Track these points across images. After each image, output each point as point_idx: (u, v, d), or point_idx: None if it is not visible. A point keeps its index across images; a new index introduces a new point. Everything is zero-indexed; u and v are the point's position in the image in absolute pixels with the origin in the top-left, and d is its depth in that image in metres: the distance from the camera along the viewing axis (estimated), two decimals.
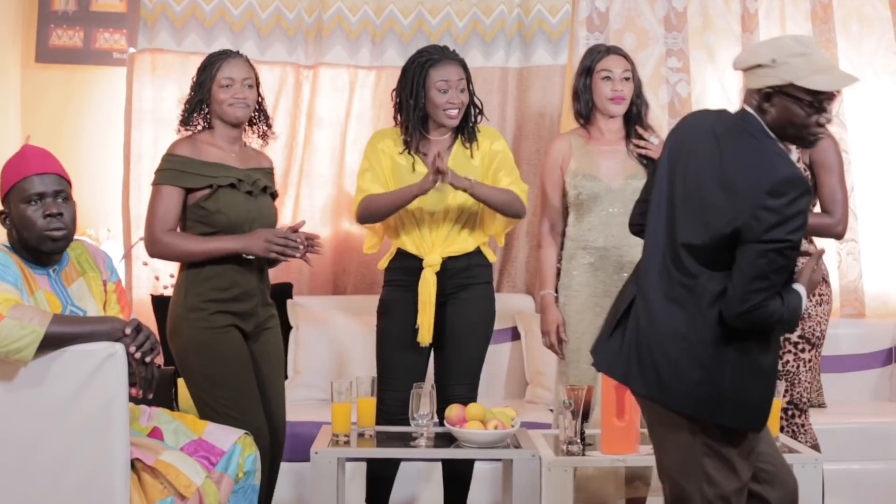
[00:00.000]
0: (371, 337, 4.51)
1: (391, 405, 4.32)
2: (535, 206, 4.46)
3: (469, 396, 4.35)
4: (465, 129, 4.41)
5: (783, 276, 2.93)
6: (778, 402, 3.99)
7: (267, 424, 4.04)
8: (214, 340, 3.98)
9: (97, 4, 5.96)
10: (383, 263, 4.49)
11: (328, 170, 5.75)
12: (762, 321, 2.94)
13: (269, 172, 4.24)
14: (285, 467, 4.29)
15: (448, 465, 4.46)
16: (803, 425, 4.45)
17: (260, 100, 4.18)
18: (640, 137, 4.48)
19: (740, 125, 3.01)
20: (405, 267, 4.40)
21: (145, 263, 5.55)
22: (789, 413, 4.41)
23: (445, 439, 4.02)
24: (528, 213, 4.61)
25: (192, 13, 5.66)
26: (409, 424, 4.03)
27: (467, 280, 4.40)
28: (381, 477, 4.44)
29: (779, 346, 3.14)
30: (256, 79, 4.15)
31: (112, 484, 3.21)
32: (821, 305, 4.43)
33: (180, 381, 4.63)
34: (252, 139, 4.22)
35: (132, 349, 3.25)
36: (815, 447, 4.38)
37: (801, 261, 3.18)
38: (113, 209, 5.72)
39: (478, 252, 4.44)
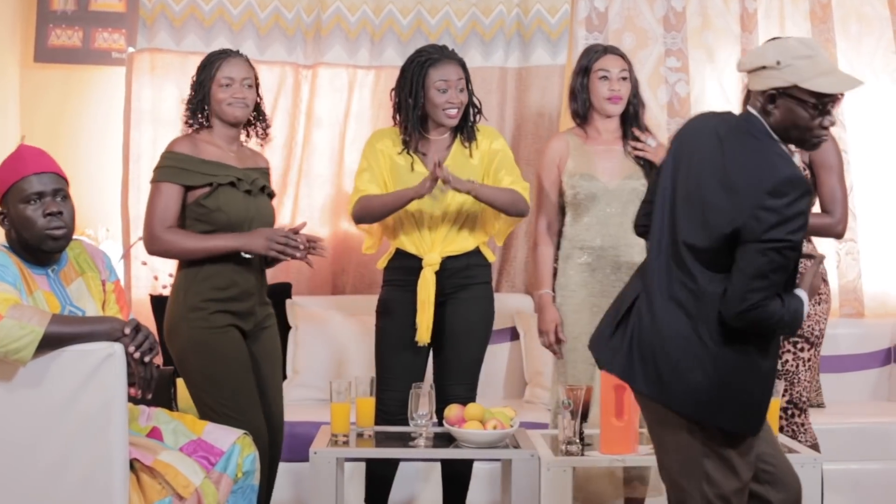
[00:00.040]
0: (370, 337, 4.51)
1: (390, 405, 4.32)
2: (532, 206, 4.46)
3: (468, 396, 4.35)
4: (464, 129, 4.41)
5: (782, 276, 2.93)
6: (777, 402, 4.00)
7: (266, 424, 4.04)
8: (214, 340, 3.98)
9: (96, 4, 5.96)
10: (382, 263, 4.49)
11: (327, 170, 5.75)
12: (761, 322, 2.94)
13: (266, 172, 4.24)
14: (284, 467, 4.29)
15: (447, 465, 4.46)
16: (803, 424, 4.45)
17: (258, 100, 4.18)
18: (638, 139, 4.49)
19: (743, 126, 3.02)
20: (404, 266, 4.40)
21: (144, 263, 5.55)
22: (789, 412, 4.41)
23: (444, 439, 4.02)
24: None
25: (192, 13, 5.66)
26: (408, 424, 4.03)
27: (466, 280, 4.40)
28: (380, 477, 4.44)
29: (778, 350, 3.14)
30: (256, 79, 4.15)
31: (111, 484, 3.21)
32: (819, 304, 4.43)
33: (179, 382, 4.63)
34: (249, 139, 4.22)
35: (131, 349, 3.25)
36: (815, 447, 4.38)
37: (804, 264, 3.18)
38: (112, 209, 5.72)
39: (477, 252, 4.44)
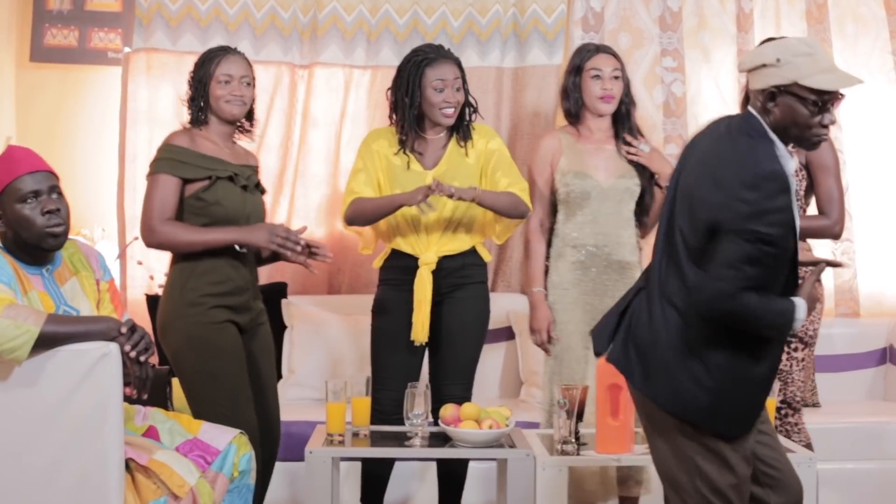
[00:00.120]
0: (366, 336, 4.51)
1: (386, 405, 4.32)
2: None
3: (464, 396, 4.35)
4: (460, 128, 4.41)
5: (756, 270, 2.90)
6: (772, 402, 4.00)
7: (265, 420, 4.05)
8: (212, 336, 3.97)
9: (92, 4, 5.95)
10: (378, 263, 4.50)
11: (323, 169, 5.75)
12: (730, 313, 2.93)
13: (257, 170, 4.24)
14: (279, 467, 4.29)
15: (443, 464, 4.46)
16: (797, 424, 4.46)
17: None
18: (630, 145, 4.49)
19: (741, 126, 3.04)
20: (400, 266, 4.40)
21: (140, 263, 5.55)
22: (782, 412, 4.42)
23: (440, 439, 4.02)
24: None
25: (188, 13, 5.65)
26: (403, 424, 4.03)
27: (462, 279, 4.40)
28: (375, 476, 4.44)
29: (776, 356, 3.11)
30: (253, 77, 4.15)
31: (106, 484, 3.21)
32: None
33: (175, 381, 4.63)
34: (241, 137, 4.22)
35: (127, 348, 3.25)
36: (808, 446, 4.38)
37: (804, 271, 3.17)
38: (108, 209, 5.71)
39: (473, 251, 4.44)
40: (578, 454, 3.91)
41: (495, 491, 4.46)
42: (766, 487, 3.13)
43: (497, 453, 3.95)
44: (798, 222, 3.00)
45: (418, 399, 3.98)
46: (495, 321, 4.81)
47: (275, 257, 4.22)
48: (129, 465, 3.31)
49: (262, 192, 4.23)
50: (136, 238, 5.39)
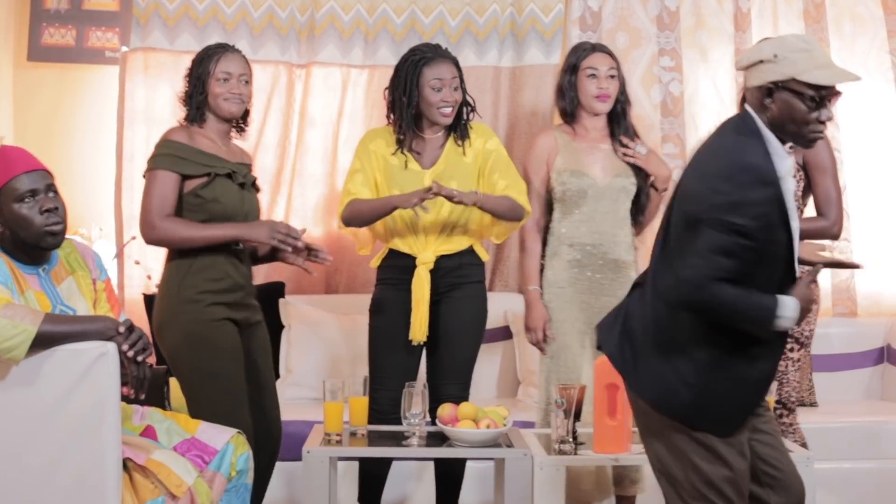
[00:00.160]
0: (363, 336, 4.50)
1: (383, 404, 4.32)
2: None
3: (461, 396, 4.35)
4: (458, 127, 4.41)
5: (728, 262, 2.89)
6: (770, 401, 3.99)
7: (265, 420, 4.04)
8: (210, 333, 3.96)
9: (90, 3, 5.95)
10: (376, 262, 4.49)
11: (320, 169, 5.75)
12: (705, 304, 2.93)
13: (250, 168, 4.24)
14: (277, 466, 4.28)
15: (440, 464, 4.46)
16: (791, 424, 4.46)
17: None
18: (627, 146, 4.50)
19: (736, 124, 3.05)
20: (398, 265, 4.39)
21: (137, 263, 5.54)
22: (777, 412, 4.42)
23: (437, 438, 4.02)
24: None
25: (185, 12, 5.65)
26: (401, 424, 4.03)
27: (460, 279, 4.40)
28: (373, 476, 4.44)
29: (771, 359, 3.09)
30: (250, 75, 4.14)
31: (104, 483, 3.21)
32: None
33: (172, 381, 4.63)
34: (238, 136, 4.23)
35: (125, 347, 3.25)
36: (804, 447, 4.38)
37: (802, 270, 3.17)
38: (105, 208, 5.71)
39: (470, 251, 4.44)
40: (576, 454, 3.91)
41: (493, 490, 4.46)
42: (767, 487, 3.13)
43: (494, 453, 3.95)
44: (794, 222, 3.00)
45: (416, 398, 3.98)
46: (493, 321, 4.81)
47: (270, 257, 4.23)
48: (127, 465, 3.31)
49: (257, 190, 4.23)
50: (134, 238, 5.39)
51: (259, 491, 4.04)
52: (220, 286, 4.00)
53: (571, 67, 4.51)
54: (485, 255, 4.50)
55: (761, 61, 2.99)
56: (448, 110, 4.34)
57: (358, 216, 4.35)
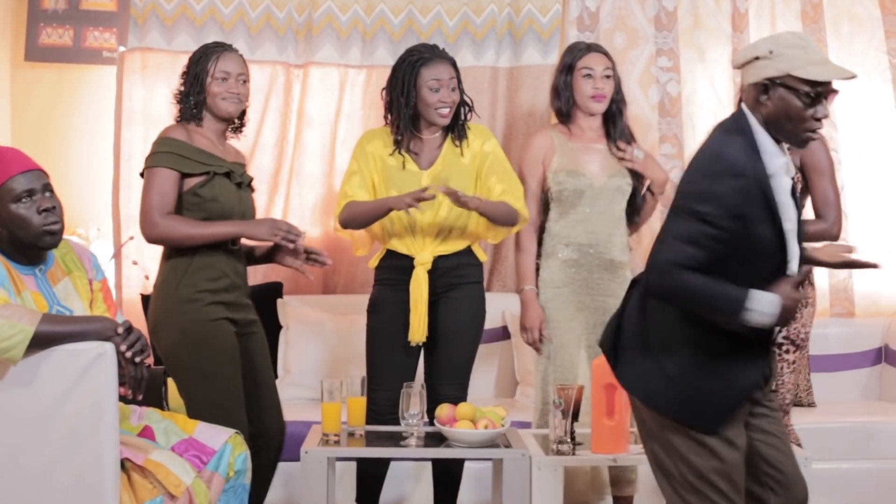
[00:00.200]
0: (361, 336, 4.50)
1: (381, 404, 4.32)
2: None
3: (459, 396, 4.35)
4: (456, 128, 4.41)
5: (696, 251, 2.89)
6: None
7: (265, 419, 4.04)
8: (209, 333, 3.95)
9: (87, 3, 5.95)
10: (373, 262, 4.49)
11: (318, 169, 5.74)
12: (671, 290, 2.93)
13: (245, 168, 4.23)
14: None
15: (438, 464, 4.46)
16: (786, 425, 4.46)
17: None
18: (623, 151, 4.50)
19: (728, 123, 3.06)
20: (396, 266, 4.39)
21: (135, 263, 5.54)
22: None
23: (435, 439, 4.02)
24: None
25: (183, 12, 5.64)
26: (399, 424, 4.03)
27: (457, 279, 4.40)
28: (371, 476, 4.44)
29: (754, 356, 3.06)
30: (248, 75, 4.14)
31: (102, 483, 3.21)
32: (806, 307, 4.44)
33: (170, 381, 4.62)
34: (235, 136, 4.22)
35: (123, 348, 3.25)
36: (798, 447, 4.38)
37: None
38: (103, 208, 5.70)
39: (468, 251, 4.44)
40: (574, 454, 3.91)
41: (491, 491, 4.46)
42: (767, 488, 3.12)
43: (492, 453, 3.95)
44: (788, 222, 2.98)
45: (414, 399, 3.98)
46: (491, 321, 4.81)
47: (267, 258, 4.23)
48: (125, 465, 3.31)
49: (252, 190, 4.22)
50: (132, 238, 5.39)
51: (262, 490, 4.04)
52: (219, 285, 4.00)
53: (567, 67, 4.51)
54: (483, 256, 4.50)
55: (757, 58, 3.00)
56: (446, 111, 4.34)
57: (355, 218, 4.35)
